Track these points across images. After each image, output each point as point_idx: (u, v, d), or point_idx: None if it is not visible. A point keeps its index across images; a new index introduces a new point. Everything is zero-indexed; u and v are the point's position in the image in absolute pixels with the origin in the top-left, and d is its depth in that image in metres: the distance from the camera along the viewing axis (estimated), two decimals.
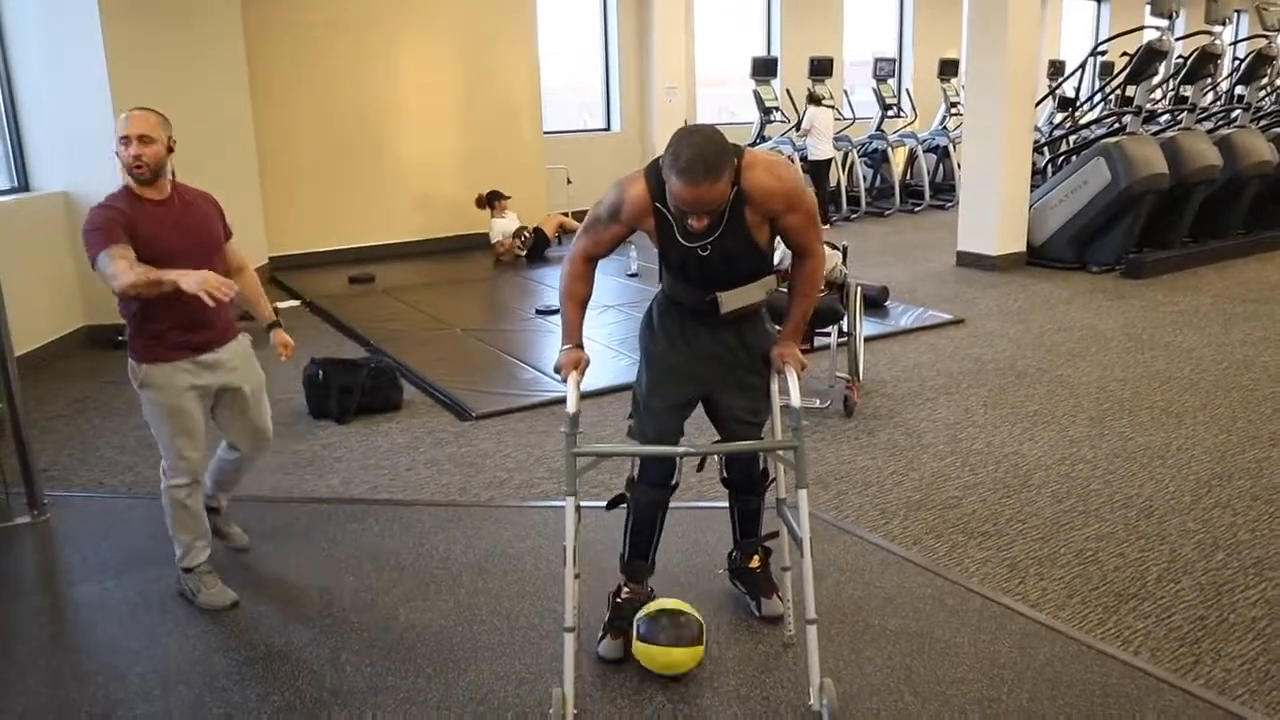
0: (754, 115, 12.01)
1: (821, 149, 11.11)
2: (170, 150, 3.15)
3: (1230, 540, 3.66)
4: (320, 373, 5.38)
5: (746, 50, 12.88)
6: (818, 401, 5.13)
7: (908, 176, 12.95)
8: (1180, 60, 9.71)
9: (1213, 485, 4.14)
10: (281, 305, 8.05)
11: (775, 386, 2.91)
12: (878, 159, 12.57)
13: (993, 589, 3.34)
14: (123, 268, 2.93)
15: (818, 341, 5.26)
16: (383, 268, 9.23)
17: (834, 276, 5.24)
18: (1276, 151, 9.49)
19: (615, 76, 12.41)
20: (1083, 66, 10.79)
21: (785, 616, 3.04)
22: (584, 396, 5.26)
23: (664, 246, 2.70)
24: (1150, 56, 8.62)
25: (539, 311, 7.52)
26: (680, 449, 2.80)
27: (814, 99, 11.12)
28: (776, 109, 11.85)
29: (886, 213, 12.08)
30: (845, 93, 12.94)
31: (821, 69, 11.82)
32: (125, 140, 3.06)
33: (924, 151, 12.58)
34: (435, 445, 4.87)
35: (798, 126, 11.50)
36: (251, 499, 4.30)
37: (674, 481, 2.95)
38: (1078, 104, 10.34)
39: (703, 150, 2.42)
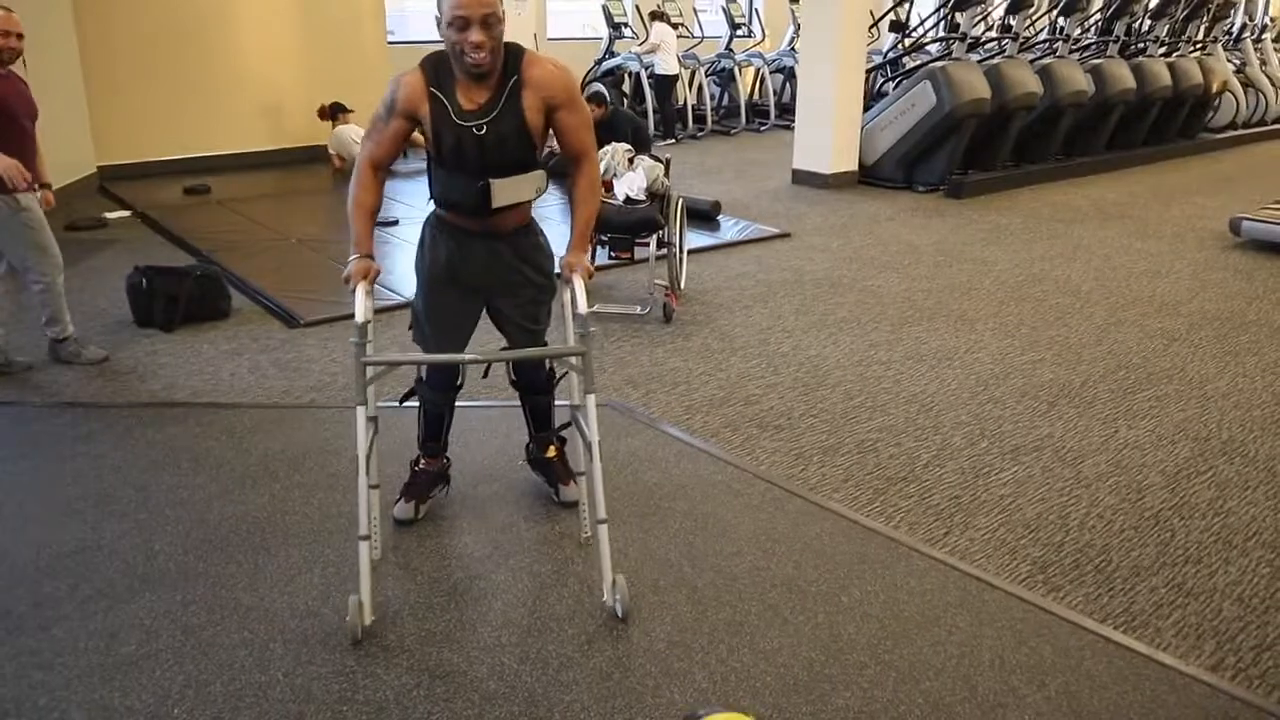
0: (604, 31, 12.00)
1: (667, 64, 11.23)
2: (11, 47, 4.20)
3: (995, 430, 4.06)
4: (144, 280, 5.29)
5: None
6: (638, 308, 5.34)
7: (755, 96, 13.20)
8: None
9: (989, 383, 4.55)
10: (110, 216, 7.77)
11: (566, 296, 3.01)
12: (725, 78, 12.76)
13: (777, 475, 3.64)
14: None
15: (639, 252, 5.45)
16: (221, 179, 8.97)
17: (656, 188, 5.42)
18: (1092, 83, 10.08)
19: None
20: None
21: (581, 512, 3.20)
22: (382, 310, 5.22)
23: (439, 133, 2.76)
24: None
25: (379, 224, 7.47)
26: (465, 356, 2.88)
27: (658, 15, 11.19)
28: (625, 25, 11.87)
29: (732, 131, 12.32)
30: (695, 11, 13.01)
31: None
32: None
33: (771, 72, 12.83)
34: (261, 352, 4.89)
35: (616, 27, 11.61)
36: (71, 404, 4.29)
37: (458, 383, 3.19)
38: (908, 29, 10.70)
39: None
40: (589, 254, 2.94)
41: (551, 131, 2.86)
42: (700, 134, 12.01)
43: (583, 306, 2.75)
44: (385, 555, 3.10)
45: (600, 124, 6.26)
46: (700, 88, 12.38)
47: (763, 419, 4.13)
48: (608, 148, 5.59)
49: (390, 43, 10.73)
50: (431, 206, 3.02)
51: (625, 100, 12.00)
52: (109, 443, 3.95)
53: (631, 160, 5.51)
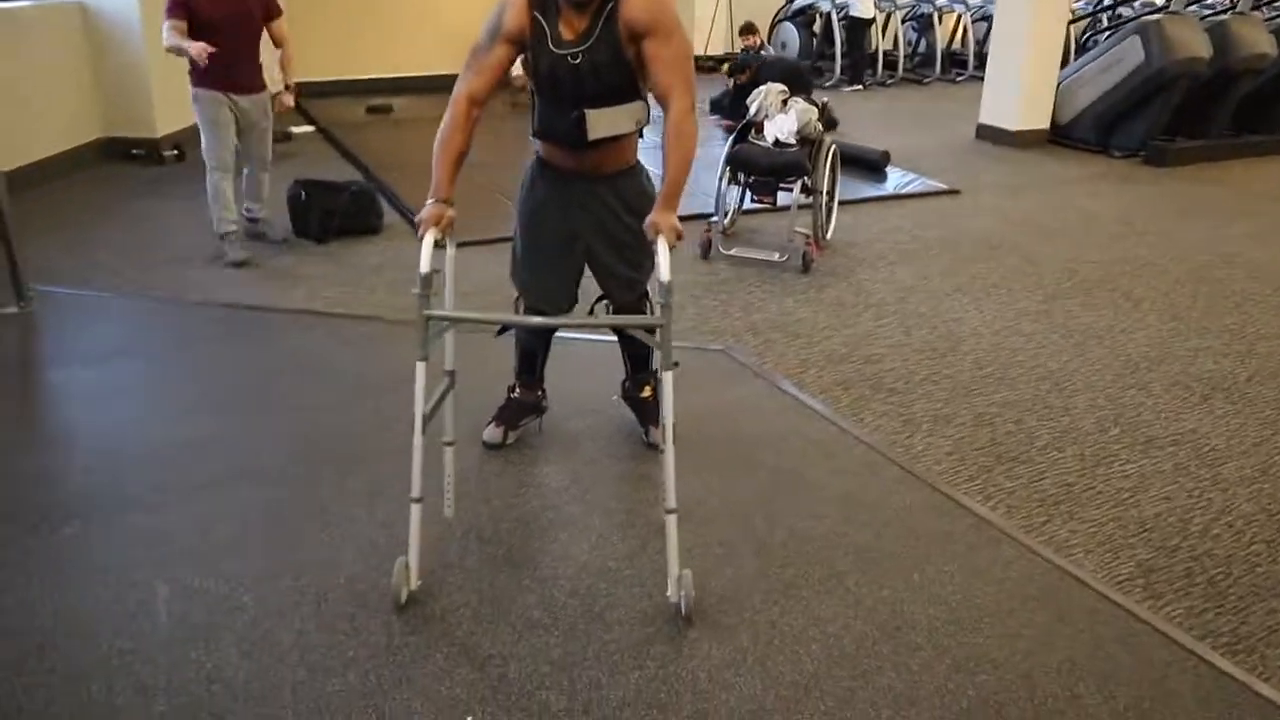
0: None
1: (862, 7, 10.78)
2: None
3: (1131, 418, 3.74)
4: (303, 193, 5.54)
5: None
6: (776, 255, 5.20)
7: (953, 44, 12.52)
8: None
9: (1139, 367, 4.20)
10: (295, 130, 8.18)
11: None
12: (924, 24, 12.15)
13: (879, 439, 3.48)
14: (168, 35, 4.65)
15: (782, 198, 5.29)
16: (405, 99, 9.26)
17: (808, 132, 5.23)
18: None
19: None
20: None
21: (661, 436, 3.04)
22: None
23: (538, 58, 2.71)
24: None
25: None
26: (537, 319, 2.82)
27: None
28: None
29: (926, 80, 11.76)
30: None
31: None
32: None
33: (974, 20, 12.11)
34: (403, 268, 5.04)
35: None
36: (218, 304, 4.56)
37: (553, 329, 3.18)
38: None
39: None
40: (675, 212, 2.58)
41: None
42: (890, 81, 11.52)
43: (665, 273, 2.44)
44: (465, 477, 3.15)
45: (750, 82, 6.11)
46: (893, 32, 11.83)
47: (879, 380, 3.95)
48: (762, 88, 5.42)
49: None
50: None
51: (815, 40, 11.62)
52: (243, 345, 4.20)
53: (785, 102, 5.32)
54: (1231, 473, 3.40)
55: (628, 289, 3.02)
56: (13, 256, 4.43)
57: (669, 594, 2.55)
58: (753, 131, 5.35)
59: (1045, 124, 8.56)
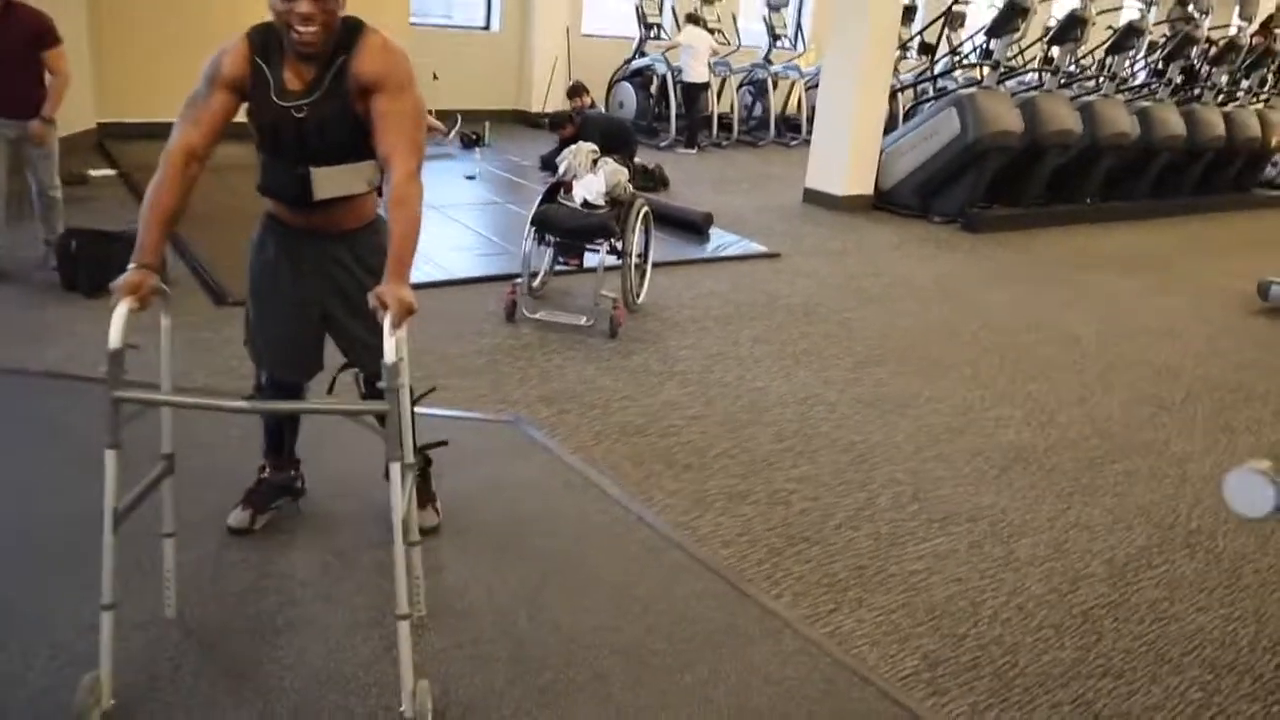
0: (636, 29, 11.68)
1: (696, 71, 10.86)
2: None
3: (930, 493, 3.64)
4: (72, 242, 5.04)
5: None
6: (583, 320, 4.98)
7: (787, 109, 12.78)
8: (1053, 22, 9.67)
9: (941, 438, 4.13)
10: (94, 173, 7.60)
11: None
12: (759, 89, 12.36)
13: (665, 520, 3.26)
14: None
15: (592, 259, 5.10)
16: (226, 146, 8.72)
17: (618, 193, 5.07)
18: (1138, 125, 9.55)
19: None
20: (946, 14, 10.64)
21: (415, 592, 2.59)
22: (456, 283, 5.08)
23: (259, 110, 2.44)
24: (1012, 12, 8.54)
25: None
26: (240, 404, 2.48)
27: (692, 19, 10.84)
28: (659, 25, 11.53)
29: (760, 144, 11.93)
30: (734, 18, 12.63)
31: None
32: None
33: (807, 88, 12.38)
34: (180, 329, 4.49)
35: (649, 27, 11.31)
36: None
37: (302, 394, 2.90)
38: (936, 53, 10.24)
39: None
40: (406, 283, 2.24)
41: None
42: (725, 143, 11.62)
43: (389, 354, 2.11)
44: (199, 569, 2.78)
45: (573, 137, 6.00)
46: (731, 97, 11.98)
47: (673, 455, 3.75)
48: (571, 147, 5.25)
49: (413, 24, 10.47)
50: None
51: (652, 101, 11.65)
52: None
53: (595, 162, 5.15)
54: (1025, 550, 3.31)
55: (373, 356, 2.70)
56: None
57: (403, 709, 2.24)
58: (561, 191, 5.15)
59: (870, 189, 8.73)
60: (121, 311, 2.17)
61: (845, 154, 8.48)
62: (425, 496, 3.05)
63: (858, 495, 3.57)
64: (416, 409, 3.12)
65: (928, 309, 5.98)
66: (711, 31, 11.24)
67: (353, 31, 2.40)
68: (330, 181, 2.49)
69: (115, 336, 2.15)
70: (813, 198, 8.75)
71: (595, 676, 2.47)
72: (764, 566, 3.06)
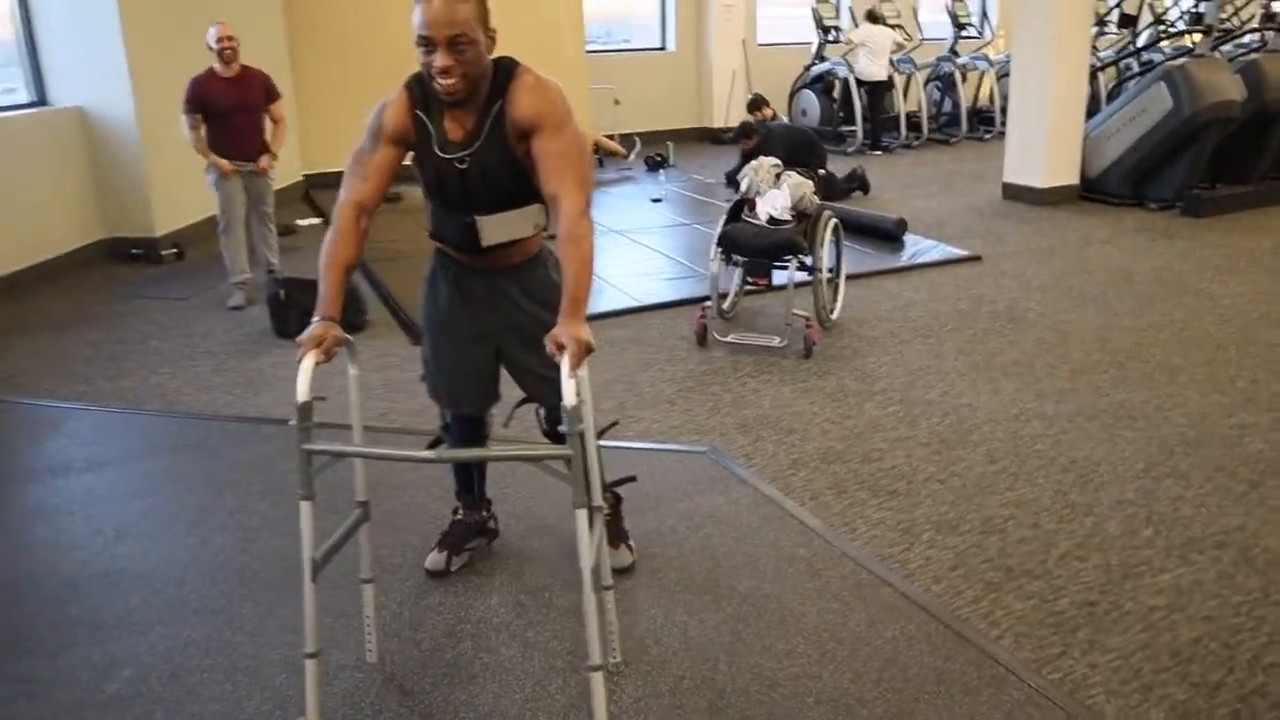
0: (814, 35, 11.43)
1: (872, 69, 10.53)
2: (229, 47, 5.60)
3: (1168, 516, 3.29)
4: (281, 292, 5.33)
5: None
6: (775, 340, 4.83)
7: (978, 102, 12.18)
8: None
9: (1176, 451, 3.74)
10: (302, 223, 8.07)
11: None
12: (947, 83, 11.84)
13: (871, 554, 3.06)
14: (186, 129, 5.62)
15: (779, 277, 4.94)
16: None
17: (804, 206, 4.90)
18: None
19: None
20: None
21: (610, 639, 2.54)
22: (645, 309, 5.15)
23: (423, 162, 2.45)
24: None
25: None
26: (424, 454, 2.51)
27: (871, 16, 10.52)
28: (836, 28, 11.24)
29: (953, 140, 11.41)
30: (914, 11, 12.16)
31: None
32: (214, 44, 5.57)
33: (999, 76, 11.77)
34: (376, 369, 4.77)
35: (827, 31, 11.04)
36: (181, 415, 4.33)
37: (484, 433, 2.90)
38: (1138, 24, 9.47)
39: None
40: (582, 321, 2.20)
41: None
42: (915, 143, 11.18)
43: (569, 397, 2.08)
44: (399, 612, 2.81)
45: (756, 150, 5.85)
46: (911, 93, 11.53)
47: (877, 481, 3.54)
48: (753, 163, 5.11)
49: (590, 51, 10.62)
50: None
51: (835, 107, 11.36)
52: (196, 456, 3.93)
53: (778, 177, 5.00)
54: None
55: (550, 389, 2.63)
56: None
57: None
58: (746, 209, 5.02)
59: (1074, 179, 8.16)
60: (307, 365, 2.21)
61: (1044, 143, 7.97)
62: (617, 535, 2.99)
63: (1083, 521, 3.26)
64: (605, 443, 3.09)
65: (1150, 306, 5.49)
66: (893, 28, 10.87)
67: (506, 74, 2.37)
68: (497, 228, 2.48)
69: (303, 390, 2.19)
70: (1012, 193, 8.27)
71: None
72: (980, 605, 2.82)
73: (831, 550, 3.08)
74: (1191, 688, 2.47)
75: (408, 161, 2.50)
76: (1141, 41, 10.09)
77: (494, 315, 2.63)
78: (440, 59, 2.24)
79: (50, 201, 6.64)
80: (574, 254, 2.25)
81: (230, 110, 5.60)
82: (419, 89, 2.39)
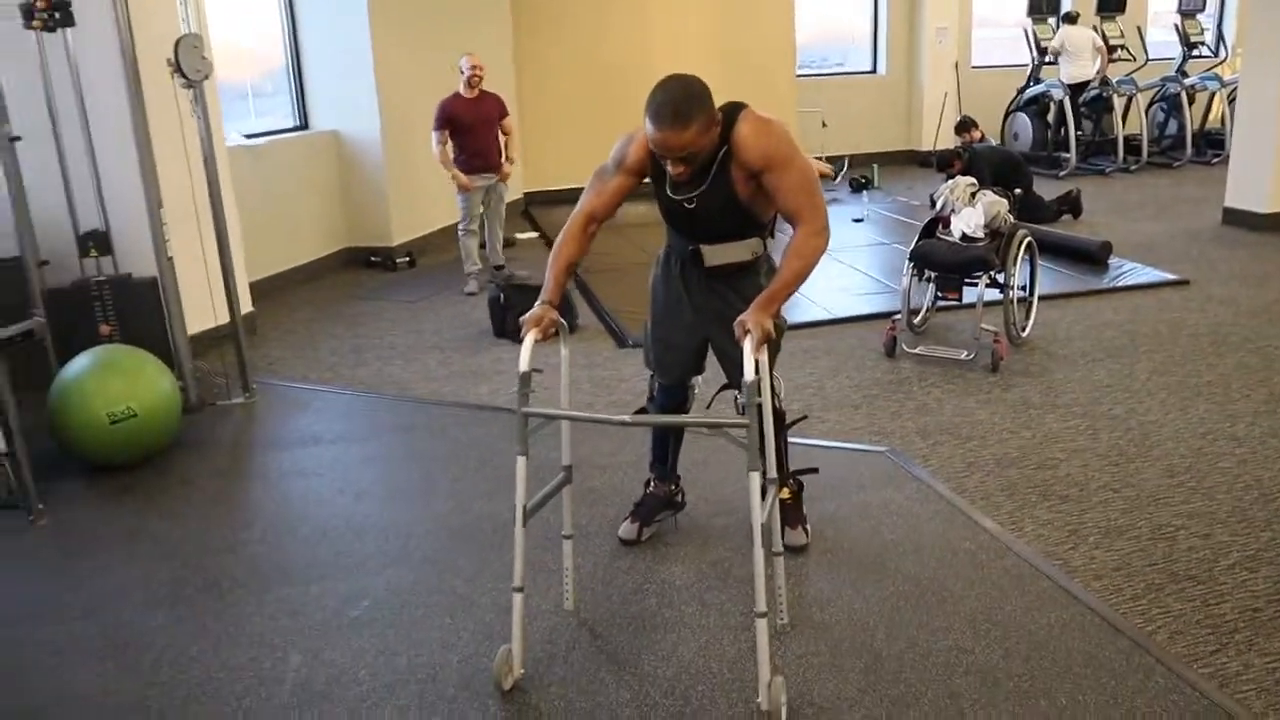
0: (1030, 57, 11.29)
1: (1074, 72, 10.46)
2: (478, 74, 6.61)
3: None
4: (502, 296, 5.89)
5: None
6: (963, 354, 4.97)
7: (1207, 124, 11.63)
8: None
9: None
10: (521, 236, 8.72)
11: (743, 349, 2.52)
12: (1172, 104, 11.38)
13: (1034, 551, 3.21)
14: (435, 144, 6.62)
15: (970, 294, 5.06)
16: (629, 205, 9.64)
17: (997, 225, 5.02)
18: None
19: (884, 16, 12.04)
20: None
21: (779, 601, 2.85)
22: (839, 322, 5.52)
23: (658, 195, 2.82)
24: None
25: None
26: (621, 418, 2.74)
27: (1068, 18, 10.48)
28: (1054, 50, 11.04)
29: (1176, 164, 10.96)
30: (1139, 30, 11.75)
31: (1111, 4, 10.87)
32: (464, 71, 6.58)
33: (1230, 100, 11.20)
34: (585, 367, 5.22)
35: (1042, 51, 10.95)
36: (414, 399, 4.91)
37: (687, 406, 3.23)
38: None
39: (674, 96, 2.54)
40: (771, 314, 2.56)
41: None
42: (1134, 167, 10.82)
43: (749, 372, 2.39)
44: (594, 571, 3.19)
45: (962, 173, 5.97)
46: (1127, 113, 11.16)
47: (1049, 486, 3.66)
48: (949, 182, 5.27)
49: (800, 75, 10.90)
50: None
51: (1049, 131, 11.16)
52: (423, 436, 4.47)
53: (974, 195, 5.14)
54: None
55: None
56: (242, 357, 4.97)
57: (759, 700, 2.45)
58: (940, 226, 5.19)
59: None
60: (529, 341, 2.63)
61: (1270, 166, 7.63)
62: (796, 517, 3.27)
63: (1260, 535, 3.29)
64: (792, 439, 3.38)
65: None
66: (1112, 48, 10.64)
67: (729, 120, 2.67)
68: (718, 255, 2.86)
69: (524, 361, 2.61)
70: (1233, 218, 7.95)
71: (948, 694, 2.54)
72: (1139, 603, 2.93)
73: (996, 544, 3.26)
74: None
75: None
76: None
77: (708, 307, 2.99)
78: (672, 166, 2.62)
79: (305, 214, 7.53)
80: (792, 262, 2.63)
81: (473, 125, 6.59)
82: None
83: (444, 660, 2.77)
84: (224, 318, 5.18)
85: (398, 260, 7.73)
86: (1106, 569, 3.11)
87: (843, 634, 2.81)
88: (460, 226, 6.87)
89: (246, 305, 5.85)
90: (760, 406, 2.45)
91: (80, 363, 4.15)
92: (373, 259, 7.82)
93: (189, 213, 4.99)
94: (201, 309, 5.22)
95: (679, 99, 2.54)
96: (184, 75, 4.52)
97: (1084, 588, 3.00)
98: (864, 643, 2.76)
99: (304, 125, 7.84)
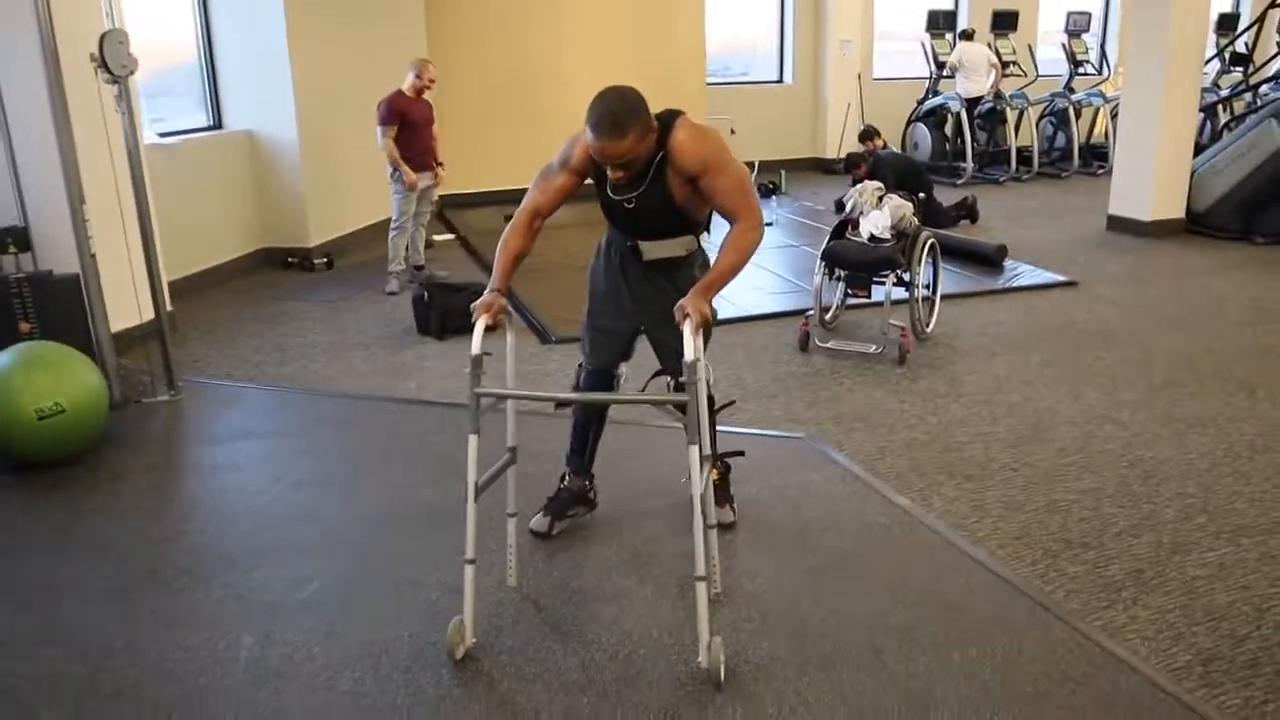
0: (928, 70, 11.79)
1: (970, 87, 11.08)
2: (430, 85, 6.77)
3: (1223, 506, 3.61)
4: (425, 294, 5.98)
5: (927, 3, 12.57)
6: (872, 348, 5.25)
7: (1093, 137, 12.31)
8: None
9: (1241, 456, 4.03)
10: (438, 238, 8.77)
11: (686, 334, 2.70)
12: (1060, 118, 12.01)
13: (945, 525, 3.47)
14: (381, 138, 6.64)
15: (877, 292, 5.36)
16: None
17: (903, 227, 5.32)
18: None
19: (790, 28, 12.44)
20: (1260, 20, 9.90)
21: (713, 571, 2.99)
22: (753, 319, 5.66)
23: (599, 194, 2.99)
24: None
25: None
26: (568, 395, 2.97)
27: (965, 35, 11.06)
28: (948, 64, 11.57)
29: (1064, 175, 11.58)
30: (1030, 48, 12.37)
31: (1004, 23, 11.43)
32: (420, 78, 6.67)
33: (1113, 115, 11.87)
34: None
35: (940, 65, 11.47)
36: (337, 394, 4.96)
37: (611, 390, 3.33)
38: (1250, 63, 9.55)
39: (612, 108, 2.72)
40: (709, 301, 2.78)
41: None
42: (1025, 177, 11.39)
43: (689, 352, 2.61)
44: (534, 550, 3.33)
45: (867, 179, 6.27)
46: (1019, 126, 11.75)
47: (955, 467, 3.94)
48: (857, 186, 5.56)
49: (710, 84, 11.19)
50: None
51: (947, 143, 11.67)
52: (353, 429, 4.56)
53: (881, 199, 5.43)
54: None
55: (679, 361, 3.14)
56: (167, 355, 4.96)
57: (700, 659, 2.64)
58: (849, 228, 5.47)
59: (1180, 212, 8.33)
60: (480, 326, 2.78)
61: (1151, 176, 8.17)
62: (724, 497, 3.46)
63: (1142, 507, 3.61)
64: (719, 427, 3.57)
65: (1238, 332, 5.72)
66: (1005, 64, 11.19)
67: (665, 130, 2.85)
68: (655, 250, 3.04)
69: (476, 345, 2.76)
70: (1117, 224, 8.48)
71: (870, 650, 2.76)
72: (1038, 567, 3.21)
73: (908, 519, 3.51)
74: (1219, 639, 2.82)
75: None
76: (1260, 78, 10.16)
77: (645, 296, 3.15)
78: (610, 171, 2.80)
79: (220, 214, 7.48)
80: (729, 255, 2.84)
81: (416, 124, 6.70)
82: None
83: (394, 635, 2.88)
84: (146, 315, 5.15)
85: (315, 261, 7.72)
86: (1008, 539, 3.39)
87: (771, 602, 3.01)
88: (394, 224, 6.90)
89: (166, 304, 5.81)
90: (698, 385, 2.64)
91: (3, 359, 4.12)
92: (290, 259, 7.80)
93: (112, 209, 4.97)
94: (123, 307, 5.18)
95: (617, 111, 2.71)
96: (109, 70, 4.51)
97: (989, 555, 3.27)
98: (791, 609, 2.97)
99: (218, 124, 7.77)
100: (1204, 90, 9.94)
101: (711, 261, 2.96)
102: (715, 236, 3.06)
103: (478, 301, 2.82)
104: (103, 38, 4.47)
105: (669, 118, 2.89)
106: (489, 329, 2.81)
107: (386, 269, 7.00)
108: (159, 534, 3.57)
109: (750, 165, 10.90)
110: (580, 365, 3.41)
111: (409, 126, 6.64)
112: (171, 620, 2.99)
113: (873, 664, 2.70)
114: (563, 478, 3.50)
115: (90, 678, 2.72)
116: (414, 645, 2.83)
